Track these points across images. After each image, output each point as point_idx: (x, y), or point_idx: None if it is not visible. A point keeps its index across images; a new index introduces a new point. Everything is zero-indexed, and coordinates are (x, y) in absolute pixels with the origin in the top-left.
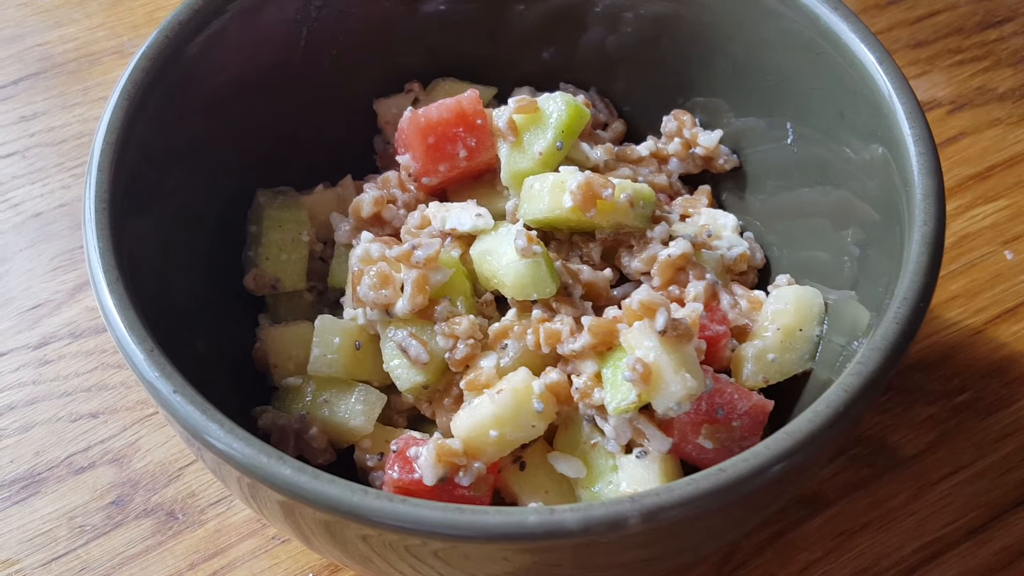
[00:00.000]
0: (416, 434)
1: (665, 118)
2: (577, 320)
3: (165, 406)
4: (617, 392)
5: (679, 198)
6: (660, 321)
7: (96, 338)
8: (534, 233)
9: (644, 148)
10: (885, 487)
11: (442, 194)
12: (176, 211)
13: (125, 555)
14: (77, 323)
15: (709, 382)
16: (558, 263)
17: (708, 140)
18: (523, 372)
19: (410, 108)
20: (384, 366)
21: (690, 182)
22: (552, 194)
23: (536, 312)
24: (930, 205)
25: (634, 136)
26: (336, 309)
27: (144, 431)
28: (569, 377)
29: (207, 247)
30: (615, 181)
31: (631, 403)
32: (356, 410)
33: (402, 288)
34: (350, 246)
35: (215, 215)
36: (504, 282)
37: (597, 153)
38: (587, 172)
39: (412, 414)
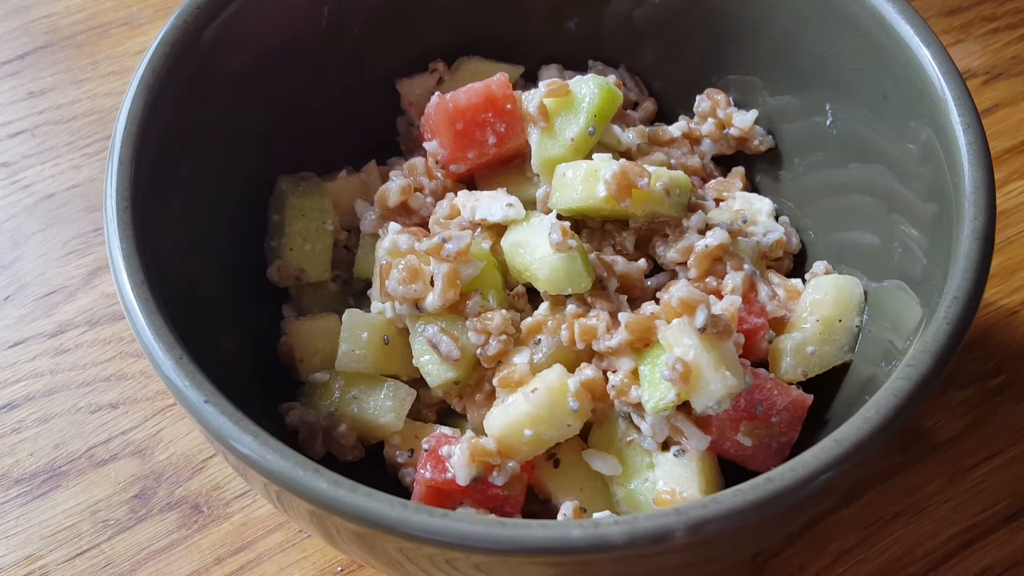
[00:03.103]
0: (447, 430)
1: (698, 97)
2: (613, 315)
3: (197, 416)
4: (655, 391)
5: (713, 181)
6: (700, 318)
7: (113, 326)
8: (567, 224)
9: (676, 129)
10: (919, 474)
11: (470, 180)
12: (198, 201)
13: (150, 550)
14: (94, 310)
15: (748, 378)
16: (592, 255)
17: (743, 121)
18: (558, 369)
19: (437, 93)
20: (414, 361)
21: (723, 163)
22: (585, 183)
23: (570, 307)
24: (980, 198)
25: (665, 116)
26: (361, 299)
27: (165, 422)
28: (604, 373)
29: (229, 237)
30: (650, 169)
31: (670, 402)
32: (385, 407)
33: (432, 282)
34: (376, 236)
35: (236, 203)
36: (537, 276)
37: (629, 136)
38: (621, 160)
39: (441, 407)
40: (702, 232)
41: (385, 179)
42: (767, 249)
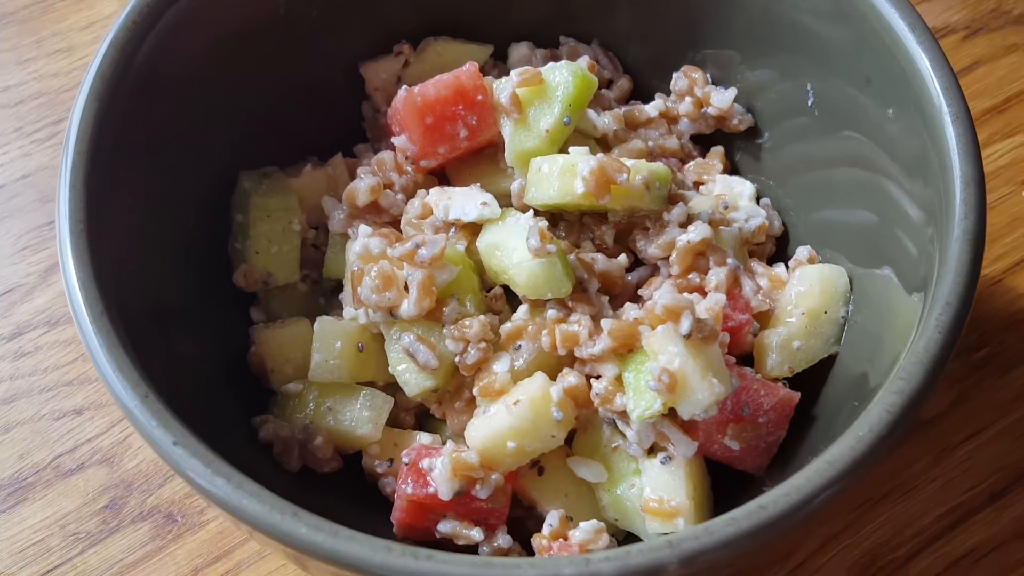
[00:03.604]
0: (427, 438)
1: (675, 75)
2: (595, 319)
3: (166, 459)
4: (640, 399)
5: (692, 162)
6: (685, 325)
7: (74, 326)
8: (545, 225)
9: (653, 108)
10: (905, 453)
11: (441, 173)
12: (157, 207)
13: (124, 563)
14: (52, 309)
15: (735, 380)
16: (571, 257)
17: (721, 100)
18: (540, 378)
19: (405, 87)
20: (390, 369)
21: (702, 142)
22: (562, 179)
23: (550, 312)
24: (971, 196)
25: (641, 93)
26: (332, 298)
27: (133, 428)
28: (588, 380)
29: (192, 241)
30: (629, 163)
31: (656, 412)
32: (363, 417)
33: (406, 287)
34: (345, 236)
35: (198, 205)
36: (516, 281)
37: (605, 121)
38: (599, 155)
39: (420, 410)
40: (683, 225)
41: (352, 172)
42: (749, 235)
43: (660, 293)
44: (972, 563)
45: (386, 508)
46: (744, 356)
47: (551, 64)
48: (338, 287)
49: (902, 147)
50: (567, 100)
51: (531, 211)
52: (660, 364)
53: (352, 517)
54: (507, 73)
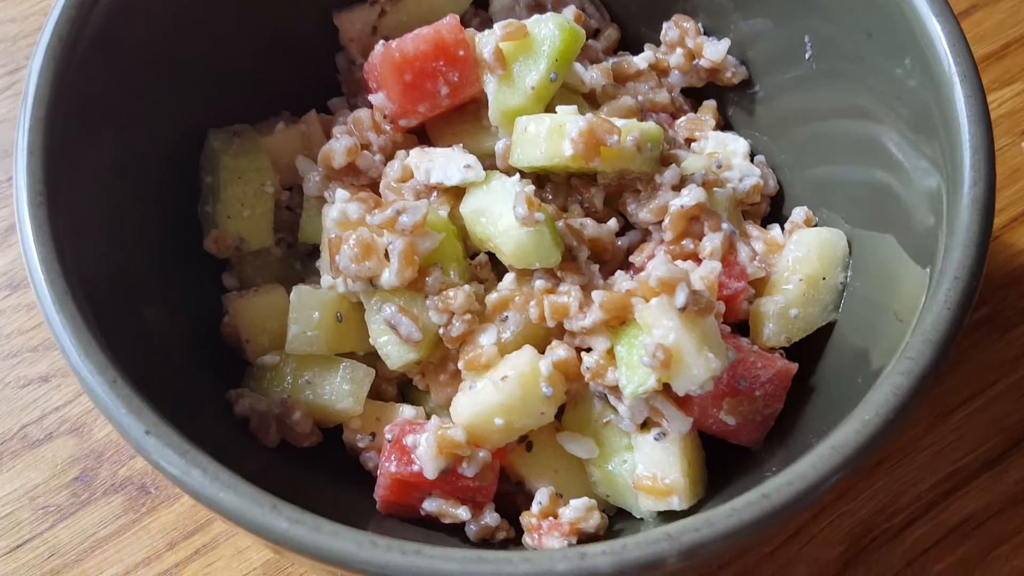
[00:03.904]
0: (410, 411)
1: (665, 25)
2: (585, 289)
3: (138, 449)
4: (634, 375)
5: (683, 118)
6: (680, 298)
7: None
8: (532, 190)
9: (642, 60)
10: None
11: (421, 131)
12: (121, 169)
13: (96, 537)
14: (14, 272)
15: (731, 353)
16: (560, 223)
17: (714, 52)
18: (528, 352)
19: (382, 42)
20: (371, 341)
21: (693, 95)
22: (550, 140)
23: (538, 282)
24: (980, 161)
25: (629, 43)
26: (308, 262)
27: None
28: (578, 352)
29: (159, 203)
30: (619, 123)
31: (650, 388)
32: (343, 391)
33: (386, 255)
34: (322, 199)
35: (164, 165)
36: (502, 250)
37: (593, 75)
38: (588, 116)
39: (402, 380)
40: (676, 188)
41: (327, 130)
42: (743, 195)
43: (654, 264)
44: (970, 530)
45: (368, 483)
46: (739, 324)
47: (536, 17)
48: (314, 251)
49: (905, 106)
50: (554, 55)
51: (517, 174)
52: (654, 339)
53: (333, 494)
54: (490, 24)
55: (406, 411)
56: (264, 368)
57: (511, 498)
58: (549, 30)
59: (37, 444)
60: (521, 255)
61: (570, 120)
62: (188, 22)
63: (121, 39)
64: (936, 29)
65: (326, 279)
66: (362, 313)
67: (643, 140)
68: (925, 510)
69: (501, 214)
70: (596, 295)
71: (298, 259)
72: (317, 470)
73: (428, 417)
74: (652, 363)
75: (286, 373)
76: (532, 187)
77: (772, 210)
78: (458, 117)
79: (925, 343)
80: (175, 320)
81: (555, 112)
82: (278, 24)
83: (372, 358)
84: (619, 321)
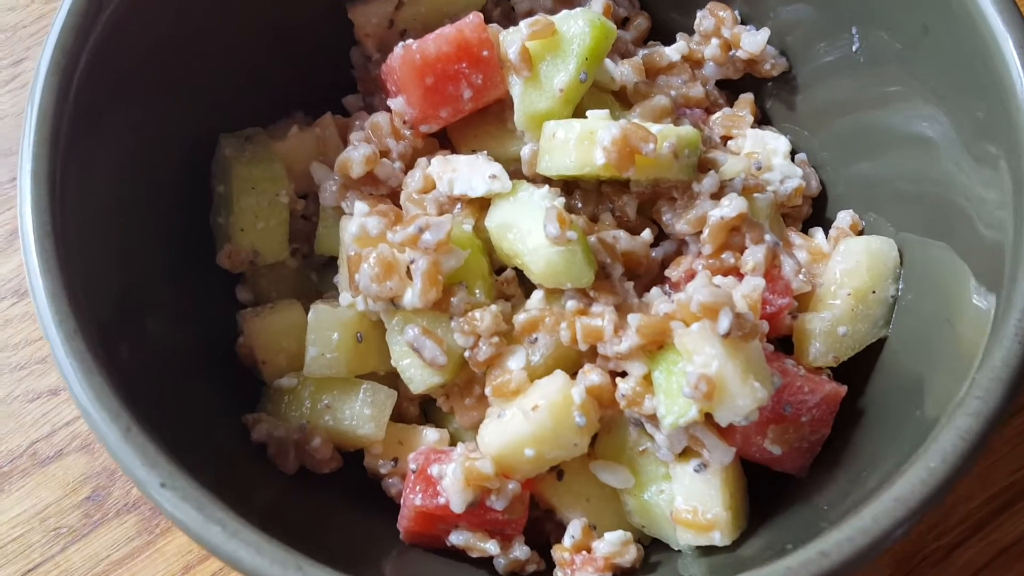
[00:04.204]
0: (433, 434)
1: (699, 14)
2: (619, 310)
3: (153, 501)
4: (673, 405)
5: (719, 113)
6: (724, 324)
7: None
8: (562, 203)
9: (675, 51)
10: None
11: (442, 134)
12: (130, 178)
13: (110, 560)
14: (20, 278)
15: (777, 378)
16: (592, 238)
17: (753, 43)
18: (560, 379)
19: (401, 44)
20: (393, 362)
21: (729, 87)
22: (580, 148)
23: (570, 303)
24: None
25: (660, 32)
26: (325, 273)
27: None
28: (612, 377)
29: (169, 213)
30: (655, 129)
31: (691, 419)
32: (364, 415)
33: (408, 273)
34: (339, 209)
35: (174, 172)
36: (531, 269)
37: (624, 71)
38: (622, 122)
39: (425, 399)
40: (715, 196)
41: (343, 133)
42: (785, 199)
43: (695, 286)
44: (1022, 551)
45: (391, 509)
46: (782, 339)
47: (564, 13)
48: (332, 261)
49: (965, 108)
50: (584, 54)
51: (545, 187)
52: (695, 367)
53: (355, 522)
54: (513, 13)
55: (430, 435)
56: (281, 391)
57: (540, 524)
58: (579, 27)
59: (47, 462)
60: (552, 275)
61: (602, 126)
62: (194, 23)
63: (125, 45)
64: (1000, 26)
65: (345, 296)
66: (383, 331)
67: (680, 147)
68: (975, 529)
69: (530, 230)
70: (632, 319)
71: (314, 269)
72: (338, 496)
73: (453, 439)
74: (694, 394)
75: (304, 397)
76: (562, 199)
77: (814, 212)
78: (481, 119)
79: (995, 381)
80: (188, 338)
81: (585, 116)
82: (289, 20)
83: (393, 377)
84: (656, 345)
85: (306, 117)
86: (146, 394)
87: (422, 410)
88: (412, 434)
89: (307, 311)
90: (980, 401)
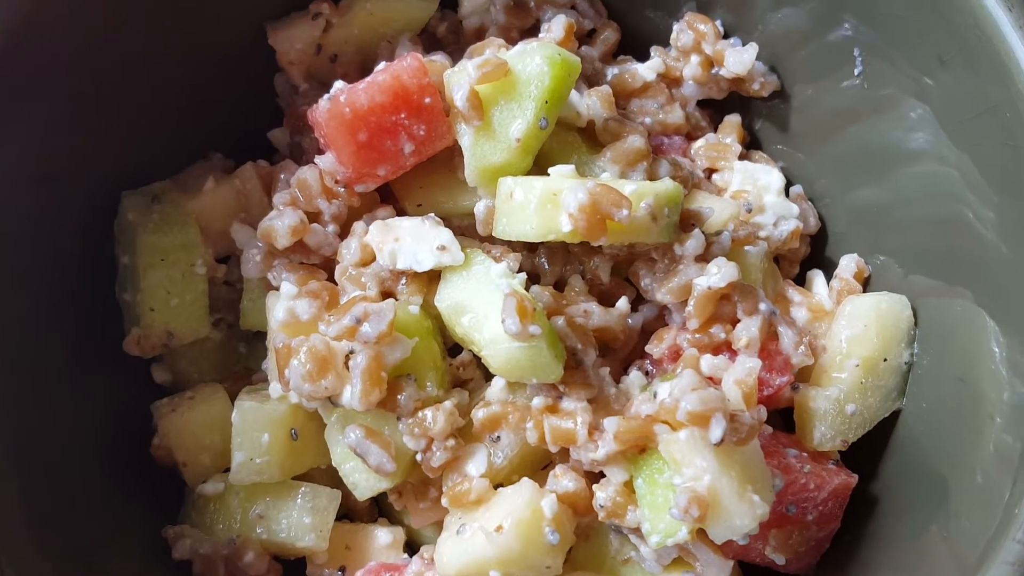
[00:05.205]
0: (385, 536)
1: (676, 27)
2: (595, 403)
3: None
4: (659, 522)
5: (701, 141)
6: (716, 433)
7: None
8: (522, 279)
9: (649, 70)
10: None
11: (384, 185)
12: (19, 249)
13: None
14: None
15: (778, 481)
16: (559, 321)
17: (738, 62)
18: (527, 489)
19: (326, 97)
20: (334, 463)
21: (712, 104)
22: (542, 213)
23: (536, 400)
24: None
25: (632, 44)
26: (256, 344)
27: None
28: (588, 480)
29: (66, 286)
30: (628, 189)
31: (680, 539)
32: (303, 524)
33: (347, 362)
34: (265, 280)
35: (74, 235)
36: (491, 362)
37: (591, 103)
38: (589, 186)
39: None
40: (701, 258)
41: (267, 184)
42: (780, 244)
43: (680, 388)
44: None
45: None
46: (780, 411)
47: (520, 48)
48: (262, 333)
49: (984, 159)
50: (543, 96)
51: (504, 263)
52: (685, 481)
53: None
54: (460, 29)
55: (382, 537)
56: (206, 499)
57: None
58: (536, 66)
59: None
60: (514, 371)
61: (567, 188)
62: (90, 49)
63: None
64: None
65: (275, 387)
66: (320, 424)
67: (659, 207)
68: None
69: (487, 316)
70: (609, 424)
71: (242, 340)
72: None
73: (410, 537)
74: (684, 517)
75: (233, 506)
76: (522, 276)
77: (813, 251)
78: (428, 169)
79: None
80: (92, 434)
81: (546, 168)
82: (203, 44)
83: (337, 477)
84: (638, 449)
85: (225, 161)
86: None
87: (374, 500)
88: (361, 536)
89: (234, 397)
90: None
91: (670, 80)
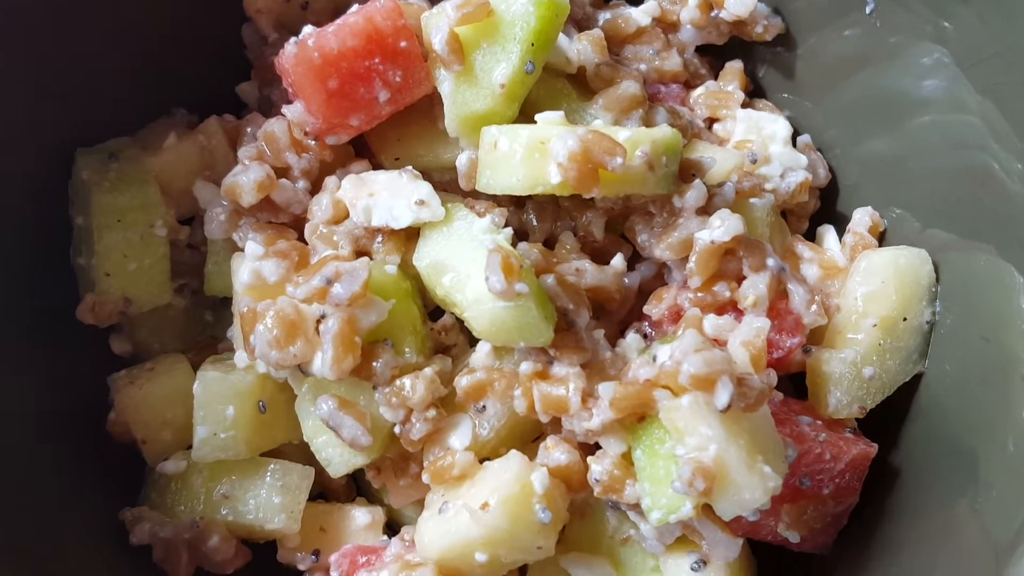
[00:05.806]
0: (363, 516)
1: None
2: (588, 368)
3: None
4: (660, 496)
5: (701, 88)
6: (723, 398)
7: None
8: (509, 234)
9: (644, 14)
10: None
11: (358, 136)
12: None
13: None
14: None
15: (791, 451)
16: (549, 279)
17: (740, 4)
18: (515, 462)
19: (293, 40)
20: (305, 438)
21: (712, 51)
22: (529, 163)
23: (525, 365)
24: None
25: None
26: (223, 311)
27: None
28: (583, 452)
29: (16, 252)
30: (623, 136)
31: (684, 515)
32: (272, 505)
33: (317, 328)
34: (230, 242)
35: (26, 197)
36: (473, 324)
37: (582, 48)
38: (580, 132)
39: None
40: (702, 211)
41: (232, 138)
42: (787, 197)
43: (682, 349)
44: None
45: None
46: (792, 376)
47: None
48: (229, 300)
49: (1009, 97)
50: (528, 39)
51: (487, 218)
52: (689, 451)
53: None
54: None
55: (359, 517)
56: (167, 478)
57: None
58: (521, 6)
59: None
60: (499, 333)
61: (556, 135)
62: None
63: None
64: None
65: (240, 355)
66: (292, 396)
67: (655, 155)
68: None
69: (470, 275)
70: (604, 390)
71: (208, 307)
72: None
73: (390, 517)
74: (687, 491)
75: (196, 486)
76: (508, 231)
77: (823, 205)
78: (405, 118)
79: None
80: (46, 413)
81: (533, 116)
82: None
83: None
84: (636, 417)
85: (189, 116)
86: None
87: (351, 478)
88: (336, 517)
89: (196, 368)
90: None
91: (666, 25)
